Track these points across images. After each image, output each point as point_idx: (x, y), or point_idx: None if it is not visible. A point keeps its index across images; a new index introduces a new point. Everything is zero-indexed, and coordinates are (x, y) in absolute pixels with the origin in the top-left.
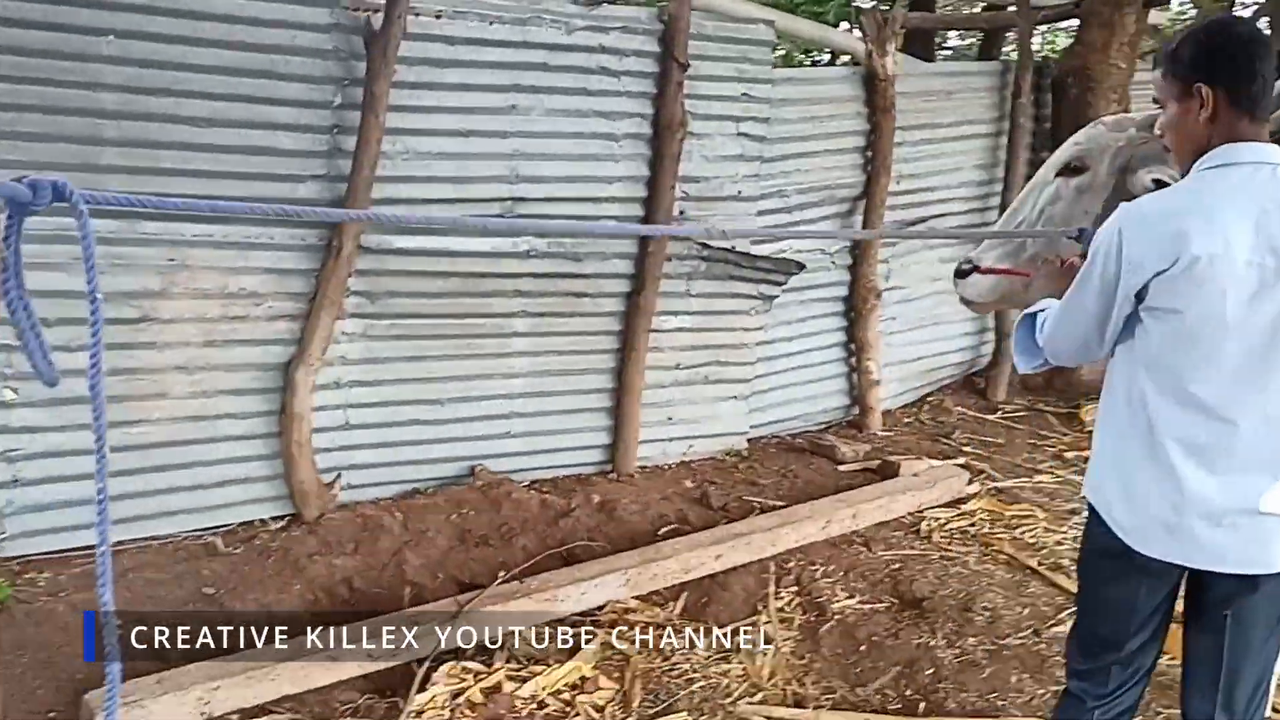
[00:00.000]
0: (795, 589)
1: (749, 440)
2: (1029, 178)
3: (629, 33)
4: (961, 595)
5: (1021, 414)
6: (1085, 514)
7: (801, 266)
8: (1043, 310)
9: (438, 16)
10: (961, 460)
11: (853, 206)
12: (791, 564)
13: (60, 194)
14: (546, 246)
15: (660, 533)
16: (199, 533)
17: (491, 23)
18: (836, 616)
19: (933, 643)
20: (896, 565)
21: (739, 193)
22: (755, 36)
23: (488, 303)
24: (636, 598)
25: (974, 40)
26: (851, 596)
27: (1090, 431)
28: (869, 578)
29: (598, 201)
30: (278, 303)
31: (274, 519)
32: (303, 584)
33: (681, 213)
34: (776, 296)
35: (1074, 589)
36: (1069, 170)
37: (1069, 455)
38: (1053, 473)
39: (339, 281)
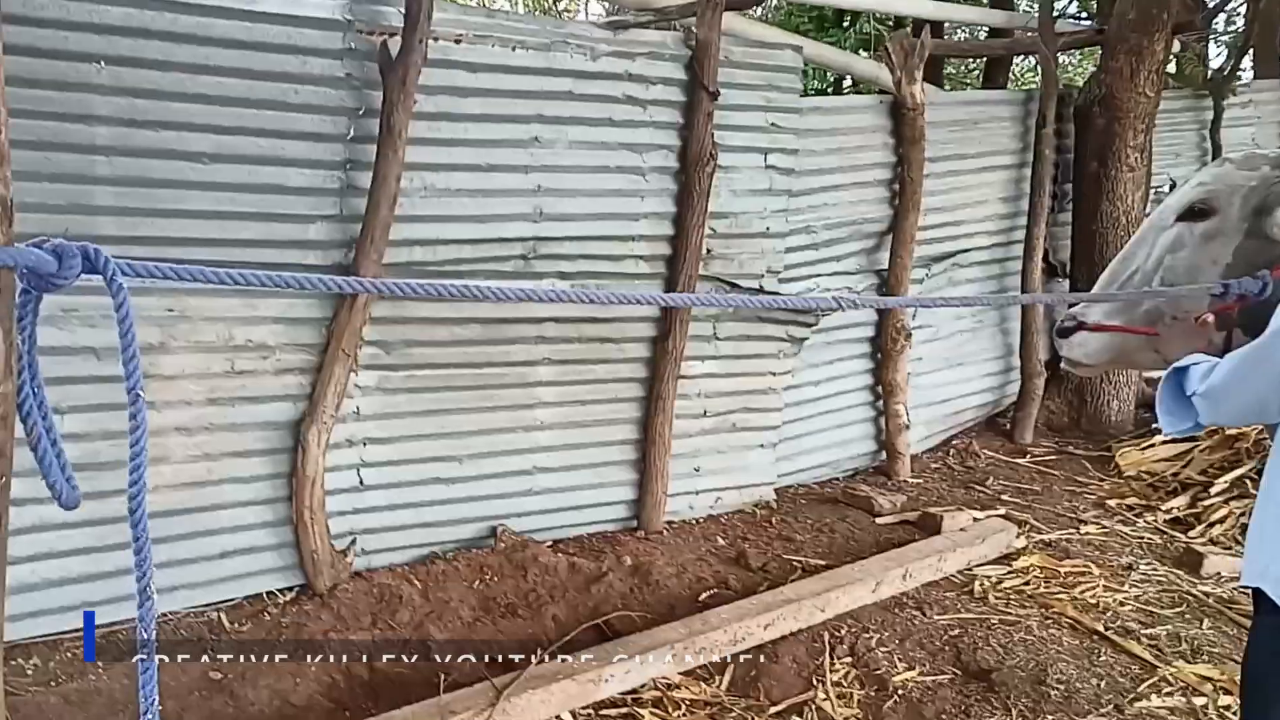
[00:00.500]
0: (850, 659)
1: (776, 490)
2: (1053, 210)
3: (656, 59)
4: (1031, 666)
5: (1052, 457)
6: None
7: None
8: (1196, 364)
9: (458, 41)
10: (1001, 510)
11: (879, 242)
12: (843, 631)
13: (92, 263)
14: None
15: (700, 598)
16: (202, 609)
17: (514, 48)
18: (899, 691)
19: None
20: (955, 631)
21: (767, 229)
22: (782, 63)
23: (510, 350)
24: (681, 673)
25: (961, 66)
26: (911, 668)
27: (1129, 477)
28: (927, 646)
29: (624, 240)
30: (287, 355)
31: (282, 591)
32: (319, 665)
33: (709, 251)
34: (806, 338)
35: (1148, 656)
36: (1193, 214)
37: (1111, 503)
38: (1098, 523)
39: (354, 331)
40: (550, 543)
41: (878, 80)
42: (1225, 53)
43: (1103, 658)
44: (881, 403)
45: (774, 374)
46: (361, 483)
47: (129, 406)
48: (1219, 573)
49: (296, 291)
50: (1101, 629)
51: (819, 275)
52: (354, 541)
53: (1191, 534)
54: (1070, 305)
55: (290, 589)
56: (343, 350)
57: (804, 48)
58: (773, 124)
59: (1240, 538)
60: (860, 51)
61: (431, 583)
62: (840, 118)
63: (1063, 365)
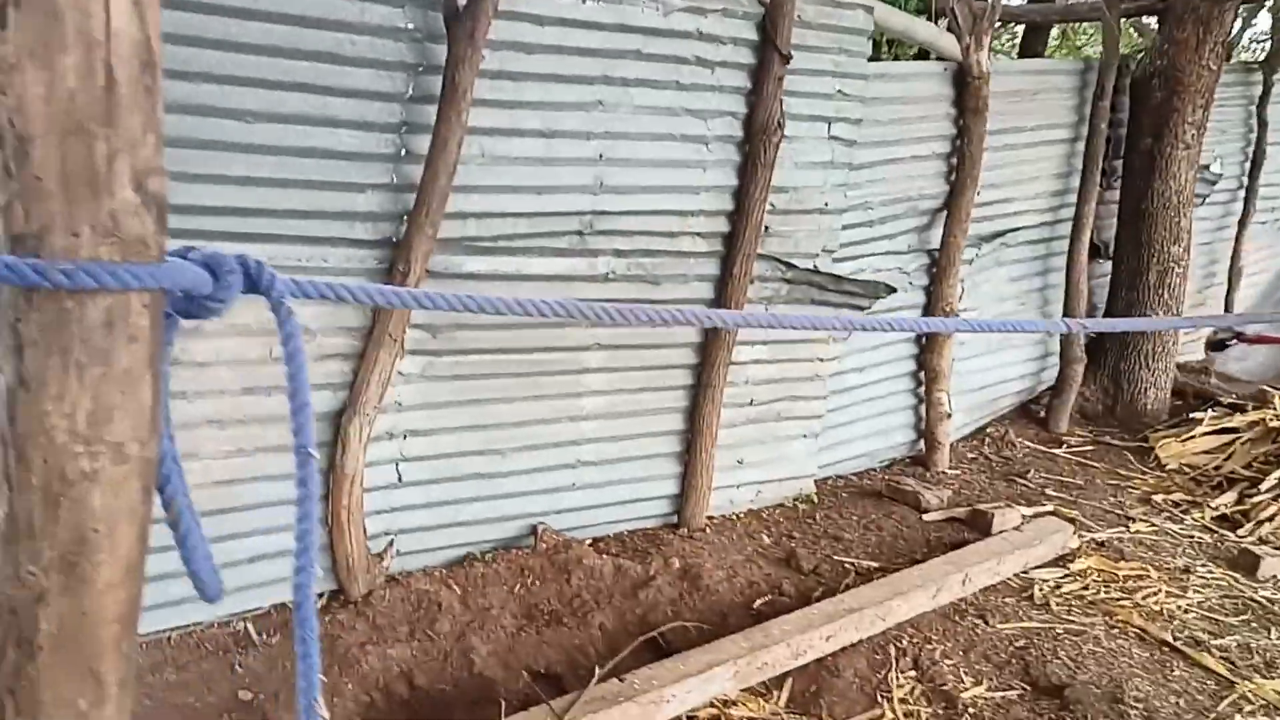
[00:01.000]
0: (914, 673)
1: (815, 483)
2: (1104, 187)
3: (728, 16)
4: (1104, 681)
5: (1089, 448)
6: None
7: (892, 289)
8: None
9: None
10: (1049, 507)
11: (932, 220)
12: (904, 641)
13: (254, 280)
14: (626, 269)
15: (755, 605)
16: (228, 619)
17: (585, 0)
18: (969, 710)
19: None
20: (1021, 642)
21: (825, 205)
22: (854, 25)
23: (560, 334)
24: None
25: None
26: (979, 682)
27: (1171, 470)
28: (993, 658)
29: (683, 215)
30: (329, 339)
31: None
32: (355, 682)
33: (767, 229)
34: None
35: (1222, 670)
36: None
37: (1157, 499)
38: (1147, 520)
39: (402, 314)
40: (590, 541)
41: (934, 46)
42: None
43: (1176, 672)
44: (922, 389)
45: (821, 360)
46: (400, 479)
47: (297, 469)
48: (1275, 575)
49: (342, 268)
50: (1170, 639)
51: (871, 255)
52: (391, 543)
53: (1240, 533)
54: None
55: (320, 595)
56: (389, 335)
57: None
58: (839, 91)
59: None
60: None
61: (471, 588)
62: (904, 85)
63: (1213, 381)
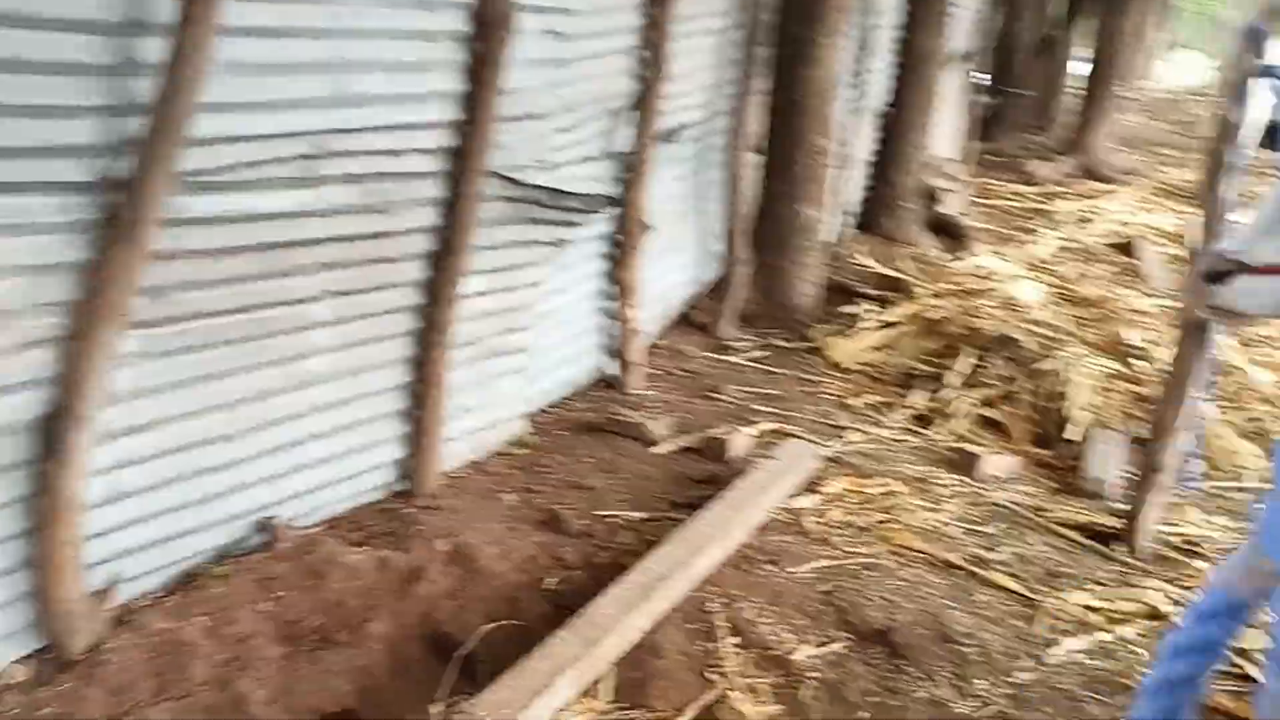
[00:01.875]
0: (736, 640)
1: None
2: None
3: None
4: (926, 620)
5: (762, 353)
6: None
7: (611, 201)
8: None
9: None
10: (765, 425)
11: (617, 120)
12: (712, 605)
13: None
14: (359, 198)
15: (547, 586)
16: None
17: None
18: (809, 674)
19: (942, 693)
20: (823, 586)
21: (540, 108)
22: None
23: (287, 286)
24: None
25: None
26: (803, 639)
27: (847, 370)
28: (805, 609)
29: (411, 130)
30: (30, 321)
31: (17, 663)
32: None
33: None
34: (570, 240)
35: (1016, 587)
36: None
37: (852, 403)
38: (857, 429)
39: (130, 275)
40: (324, 526)
41: None
42: None
43: (980, 597)
44: (609, 305)
45: (531, 285)
46: (119, 491)
47: None
48: (994, 475)
49: (49, 224)
50: (956, 561)
51: (571, 162)
52: (115, 580)
53: (932, 430)
54: None
55: (30, 657)
56: (113, 305)
57: None
58: None
59: (977, 431)
60: None
61: (215, 615)
62: None
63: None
